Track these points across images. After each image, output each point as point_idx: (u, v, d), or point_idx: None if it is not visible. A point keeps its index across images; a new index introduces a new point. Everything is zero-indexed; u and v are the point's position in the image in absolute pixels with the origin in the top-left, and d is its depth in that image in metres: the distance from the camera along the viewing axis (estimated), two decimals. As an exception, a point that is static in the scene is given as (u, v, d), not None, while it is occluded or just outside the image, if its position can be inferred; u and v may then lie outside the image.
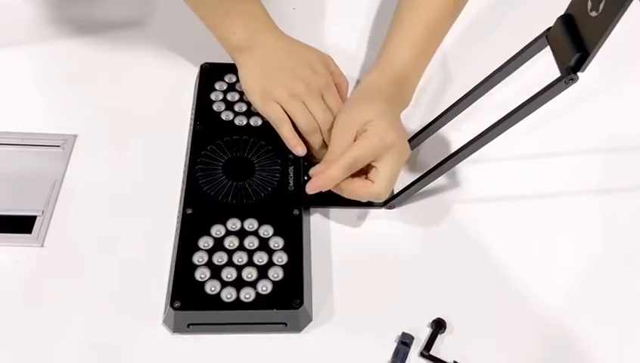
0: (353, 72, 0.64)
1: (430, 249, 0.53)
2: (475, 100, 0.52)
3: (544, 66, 0.46)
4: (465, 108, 0.53)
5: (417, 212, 0.55)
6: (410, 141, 0.56)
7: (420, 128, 0.56)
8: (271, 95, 0.54)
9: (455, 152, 0.50)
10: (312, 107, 0.54)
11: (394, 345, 0.47)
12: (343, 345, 0.47)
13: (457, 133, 0.58)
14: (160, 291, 0.48)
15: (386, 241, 0.53)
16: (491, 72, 0.50)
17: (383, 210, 0.55)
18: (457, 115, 0.54)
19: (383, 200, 0.53)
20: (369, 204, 0.55)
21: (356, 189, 0.51)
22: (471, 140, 0.49)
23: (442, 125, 0.55)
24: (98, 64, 0.63)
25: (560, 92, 0.44)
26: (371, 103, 0.53)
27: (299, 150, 0.54)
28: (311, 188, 0.51)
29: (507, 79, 0.50)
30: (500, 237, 0.54)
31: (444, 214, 0.55)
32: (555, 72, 0.44)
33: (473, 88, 0.51)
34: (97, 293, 0.48)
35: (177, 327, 0.46)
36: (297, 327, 0.47)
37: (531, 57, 0.49)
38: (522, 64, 0.49)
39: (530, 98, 0.46)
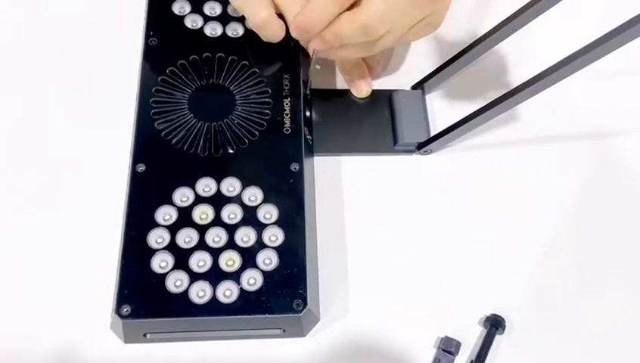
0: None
1: (484, 214, 0.38)
2: (551, 6, 0.35)
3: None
4: (537, 15, 0.35)
5: (466, 159, 0.40)
6: (458, 57, 0.39)
7: (470, 42, 0.39)
8: None
9: (528, 82, 0.34)
10: None
11: (433, 353, 0.34)
12: (361, 353, 0.34)
13: (528, 51, 0.41)
14: (105, 284, 0.34)
15: (420, 203, 0.38)
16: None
17: (415, 156, 0.40)
18: (522, 26, 0.36)
19: (376, 37, 0.32)
20: (396, 149, 0.40)
21: (340, 27, 0.32)
22: (552, 66, 0.32)
23: (504, 39, 0.38)
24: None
25: None
26: None
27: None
28: (296, 31, 0.33)
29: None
30: (585, 196, 0.39)
31: (503, 162, 0.40)
32: None
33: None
34: (16, 286, 0.35)
35: (129, 338, 0.33)
36: (300, 333, 0.34)
37: None
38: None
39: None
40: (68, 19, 0.43)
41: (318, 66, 0.35)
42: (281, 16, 0.36)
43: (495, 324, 0.35)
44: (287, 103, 0.38)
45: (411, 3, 0.32)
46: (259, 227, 0.34)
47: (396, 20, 0.32)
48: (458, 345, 0.34)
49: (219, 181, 0.35)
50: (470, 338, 0.35)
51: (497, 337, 0.35)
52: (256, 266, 0.33)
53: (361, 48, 0.34)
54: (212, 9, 0.40)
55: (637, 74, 0.44)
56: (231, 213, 0.35)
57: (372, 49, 0.34)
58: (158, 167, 0.35)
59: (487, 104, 0.36)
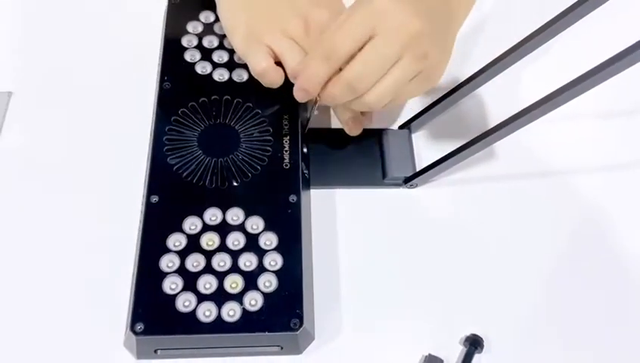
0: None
1: (465, 242, 0.42)
2: (525, 55, 0.39)
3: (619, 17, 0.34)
4: (512, 64, 0.40)
5: (449, 193, 0.44)
6: (441, 100, 0.44)
7: (453, 87, 0.43)
8: (259, 35, 0.41)
9: (504, 123, 0.38)
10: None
11: (418, 369, 0.38)
12: (353, 370, 0.38)
13: (504, 95, 0.45)
14: (119, 304, 0.37)
15: (407, 232, 0.42)
16: (546, 20, 0.37)
17: (402, 190, 0.44)
18: (499, 73, 0.41)
19: (361, 92, 0.36)
20: (385, 183, 0.44)
21: (331, 88, 0.37)
22: (527, 108, 0.37)
23: (483, 84, 0.42)
24: (37, 3, 0.50)
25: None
26: None
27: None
28: (298, 94, 0.38)
29: (570, 29, 0.37)
30: (557, 226, 0.43)
31: (483, 196, 0.44)
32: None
33: (523, 40, 0.38)
34: (37, 306, 0.38)
35: (141, 354, 0.36)
36: (297, 350, 0.37)
37: (604, 3, 0.35)
38: (590, 11, 0.36)
39: (615, 57, 0.33)
40: (93, 64, 0.47)
41: (316, 112, 0.40)
42: (279, 64, 0.41)
43: (474, 344, 0.38)
44: (286, 141, 0.42)
45: (389, 62, 0.36)
46: (261, 252, 0.38)
47: (377, 76, 0.36)
48: (441, 362, 0.37)
49: (224, 211, 0.39)
50: (451, 356, 0.38)
51: (476, 356, 0.38)
52: (257, 288, 0.37)
53: (358, 104, 0.38)
54: (220, 57, 0.45)
55: (603, 116, 0.48)
56: (235, 240, 0.38)
57: (367, 105, 0.37)
58: (170, 198, 0.39)
59: (467, 142, 0.40)
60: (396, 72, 0.36)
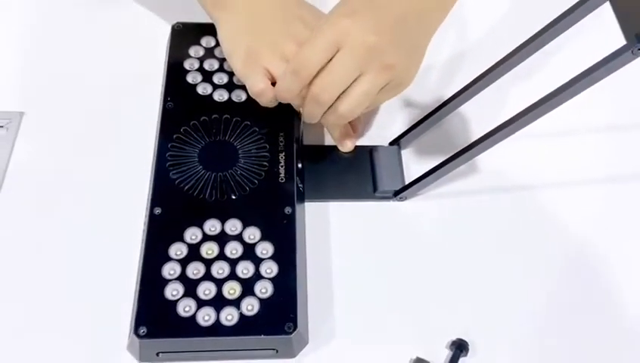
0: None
1: (450, 251, 0.44)
2: (504, 74, 0.42)
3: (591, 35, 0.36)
4: (492, 82, 0.43)
5: (435, 205, 0.46)
6: (428, 117, 0.46)
7: (438, 105, 0.46)
8: (257, 58, 0.43)
9: (484, 136, 0.41)
10: None
11: (407, 372, 0.39)
12: (345, 373, 0.39)
13: (486, 112, 0.48)
14: (123, 310, 0.39)
15: (396, 242, 0.44)
16: (523, 40, 0.40)
17: (392, 202, 0.46)
18: (481, 91, 0.44)
19: (327, 103, 0.40)
20: (376, 196, 0.46)
21: (304, 104, 0.41)
22: (503, 123, 0.40)
23: (465, 102, 0.45)
24: (46, 27, 0.53)
25: (624, 65, 0.34)
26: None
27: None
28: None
29: (545, 48, 0.40)
30: (537, 237, 0.45)
31: (468, 208, 0.46)
32: (608, 43, 0.34)
33: (502, 59, 0.41)
34: (46, 311, 0.40)
35: (144, 357, 0.38)
36: (291, 353, 0.39)
37: (576, 22, 0.38)
38: (564, 30, 0.39)
39: (581, 74, 0.36)
40: (101, 86, 0.50)
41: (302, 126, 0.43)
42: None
43: (460, 347, 0.40)
44: (282, 157, 0.44)
45: (350, 75, 0.39)
46: (257, 261, 0.40)
47: (338, 87, 0.39)
48: (428, 364, 0.39)
49: (223, 222, 0.41)
50: (438, 359, 0.40)
51: (462, 359, 0.40)
52: (254, 294, 0.39)
53: (334, 116, 0.41)
54: (220, 79, 0.48)
55: (589, 130, 0.51)
56: (233, 249, 0.40)
57: (342, 115, 0.40)
58: (172, 210, 0.41)
59: (451, 156, 0.43)
60: (363, 85, 0.39)
